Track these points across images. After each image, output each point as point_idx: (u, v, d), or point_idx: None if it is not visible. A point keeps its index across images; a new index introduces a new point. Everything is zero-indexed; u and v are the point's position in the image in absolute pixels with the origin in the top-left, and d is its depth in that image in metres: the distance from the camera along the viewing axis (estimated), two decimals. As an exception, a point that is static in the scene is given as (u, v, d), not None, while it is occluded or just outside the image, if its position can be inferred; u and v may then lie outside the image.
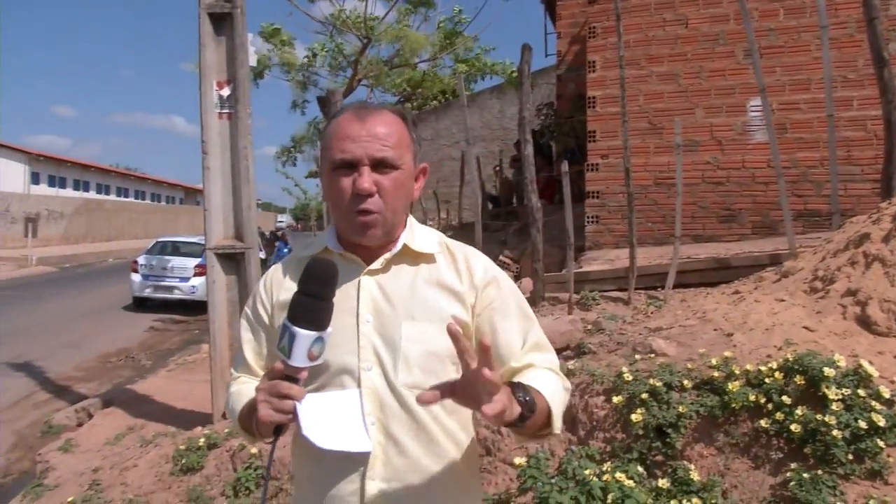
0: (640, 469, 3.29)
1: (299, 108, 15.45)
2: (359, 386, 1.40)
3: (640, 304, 5.72)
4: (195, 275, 15.15)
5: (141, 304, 15.85)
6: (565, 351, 4.61)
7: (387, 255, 1.47)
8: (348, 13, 13.90)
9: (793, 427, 3.11)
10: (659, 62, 8.63)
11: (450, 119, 22.26)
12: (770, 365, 3.36)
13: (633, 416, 3.42)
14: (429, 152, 21.86)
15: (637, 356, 3.90)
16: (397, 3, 13.81)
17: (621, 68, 6.24)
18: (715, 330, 4.02)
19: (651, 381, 3.52)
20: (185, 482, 4.61)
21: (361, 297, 1.44)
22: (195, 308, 14.63)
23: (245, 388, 1.54)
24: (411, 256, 1.49)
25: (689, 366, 3.63)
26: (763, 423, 3.22)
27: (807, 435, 3.09)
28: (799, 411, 3.14)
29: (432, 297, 1.45)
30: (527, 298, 5.71)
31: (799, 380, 3.24)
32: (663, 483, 3.17)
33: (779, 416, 3.18)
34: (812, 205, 7.88)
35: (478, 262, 1.52)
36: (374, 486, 1.39)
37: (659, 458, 3.37)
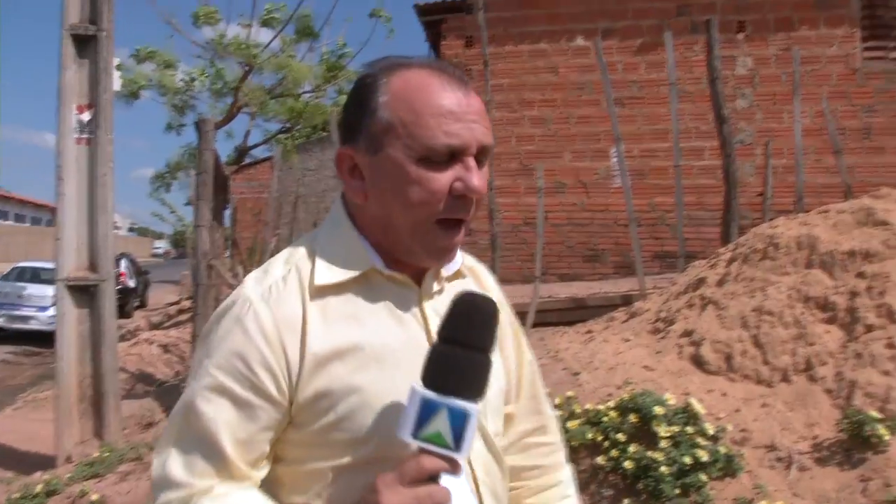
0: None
1: (174, 130, 15.00)
2: None
3: (502, 342, 5.86)
4: (54, 304, 14.27)
5: (-8, 336, 14.74)
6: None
7: (443, 274, 1.10)
8: (230, 39, 13.67)
9: (626, 464, 3.27)
10: (530, 106, 9.02)
11: (335, 150, 22.17)
12: (608, 404, 3.53)
13: (481, 455, 3.50)
14: (313, 182, 21.72)
15: (489, 395, 3.99)
16: (281, 33, 13.72)
17: (489, 112, 6.46)
18: (564, 369, 4.19)
19: (499, 420, 3.61)
20: (16, 533, 4.29)
21: (432, 332, 1.04)
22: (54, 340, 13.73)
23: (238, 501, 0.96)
24: (455, 274, 1.14)
25: (536, 405, 3.75)
26: (600, 460, 3.37)
27: (639, 471, 3.26)
28: (632, 448, 3.32)
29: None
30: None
31: (633, 418, 3.42)
32: (506, 521, 3.25)
33: (614, 452, 3.34)
34: (668, 247, 8.39)
35: (492, 279, 1.26)
36: None
37: (504, 496, 3.45)
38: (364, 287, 1.02)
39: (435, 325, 1.03)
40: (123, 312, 14.60)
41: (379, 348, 0.98)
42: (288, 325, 0.96)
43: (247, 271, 16.02)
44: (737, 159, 5.90)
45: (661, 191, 8.50)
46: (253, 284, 1.02)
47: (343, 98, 15.40)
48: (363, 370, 0.97)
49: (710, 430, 3.37)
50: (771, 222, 5.03)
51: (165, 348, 9.96)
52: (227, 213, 16.80)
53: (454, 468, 0.87)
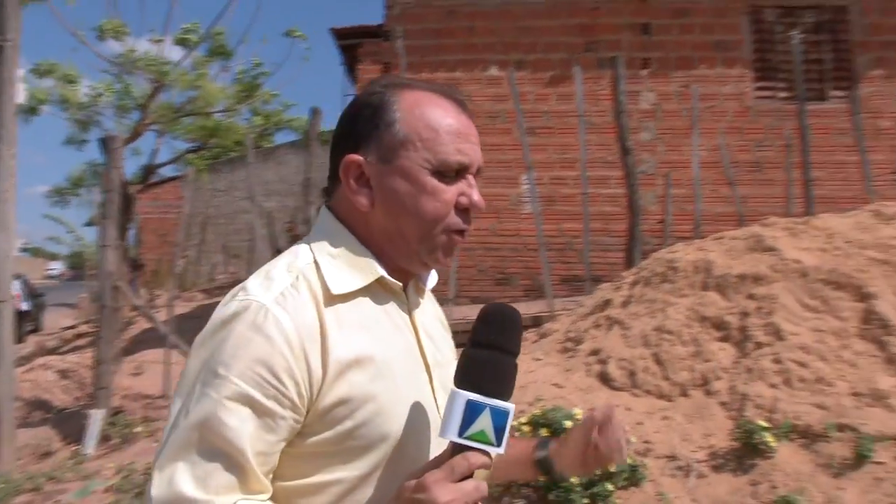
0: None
1: (75, 145, 14.45)
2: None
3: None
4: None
5: None
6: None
7: (421, 285, 1.17)
8: (140, 54, 13.33)
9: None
10: (445, 133, 9.22)
11: (246, 171, 21.91)
12: (521, 419, 3.66)
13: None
14: (222, 204, 21.31)
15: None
16: (193, 51, 13.49)
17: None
18: (478, 387, 4.29)
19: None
20: None
21: (423, 342, 1.11)
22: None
23: None
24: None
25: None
26: (513, 473, 3.48)
27: (551, 483, 3.39)
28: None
29: (442, 331, 1.23)
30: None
31: (544, 432, 3.55)
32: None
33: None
34: (576, 270, 8.69)
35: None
36: None
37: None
38: (367, 296, 1.05)
39: (424, 333, 1.11)
40: (16, 337, 13.81)
41: (387, 356, 1.01)
42: (308, 332, 0.96)
43: (151, 294, 15.46)
44: (640, 188, 6.23)
45: (569, 217, 8.81)
46: (261, 291, 0.99)
47: (258, 119, 15.29)
48: (378, 378, 0.99)
49: (616, 443, 3.54)
50: (670, 248, 5.34)
51: (63, 374, 9.49)
52: (132, 233, 16.25)
53: (488, 465, 0.92)
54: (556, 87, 9.41)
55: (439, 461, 0.92)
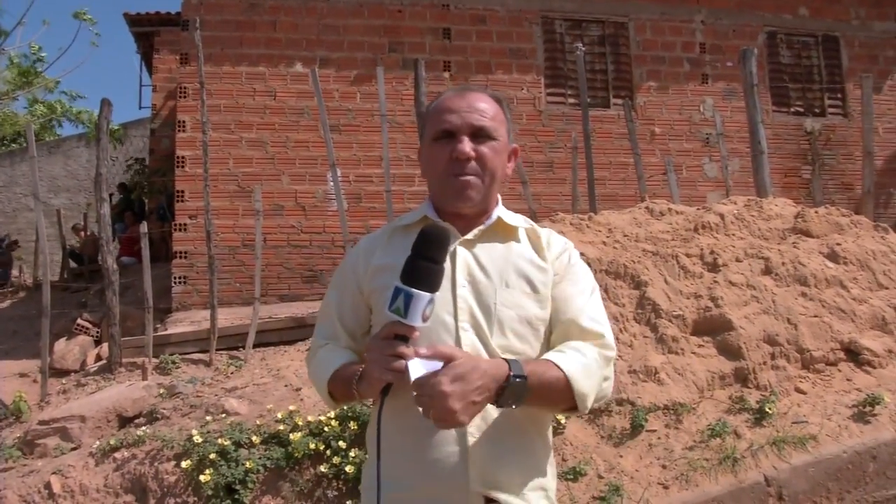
0: (208, 530, 3.32)
1: None
2: (458, 344, 1.46)
3: (221, 366, 5.77)
4: None
5: None
6: (137, 418, 4.43)
7: (481, 227, 1.59)
8: None
9: (348, 468, 3.45)
10: (248, 128, 8.97)
11: (29, 165, 19.73)
12: (329, 414, 3.69)
13: (202, 478, 3.45)
14: (2, 201, 19.10)
15: (209, 417, 3.94)
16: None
17: (204, 133, 6.37)
18: (286, 386, 4.27)
19: (220, 440, 3.59)
20: None
21: (457, 264, 1.54)
22: None
23: (332, 355, 1.58)
24: (502, 232, 1.61)
25: (259, 422, 3.79)
26: (323, 468, 3.51)
27: (360, 473, 3.45)
28: (353, 453, 3.51)
29: (523, 269, 1.57)
30: (102, 365, 5.36)
31: (353, 425, 3.62)
32: (229, 540, 3.23)
33: (336, 460, 3.50)
34: (384, 268, 8.83)
35: (558, 240, 1.67)
36: (475, 443, 1.44)
37: (227, 515, 3.43)
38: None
39: (462, 260, 1.55)
40: None
41: None
42: (367, 251, 1.64)
43: None
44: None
45: (375, 214, 8.91)
46: (372, 232, 1.75)
47: (39, 107, 13.87)
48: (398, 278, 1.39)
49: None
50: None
51: None
52: None
53: (410, 332, 1.31)
54: (360, 85, 9.46)
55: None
